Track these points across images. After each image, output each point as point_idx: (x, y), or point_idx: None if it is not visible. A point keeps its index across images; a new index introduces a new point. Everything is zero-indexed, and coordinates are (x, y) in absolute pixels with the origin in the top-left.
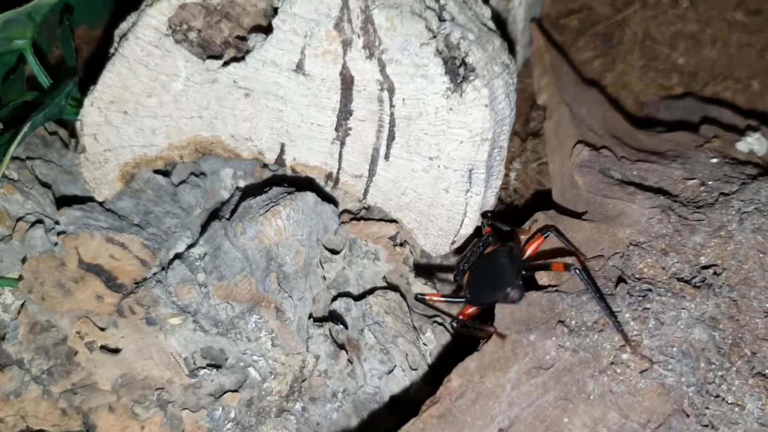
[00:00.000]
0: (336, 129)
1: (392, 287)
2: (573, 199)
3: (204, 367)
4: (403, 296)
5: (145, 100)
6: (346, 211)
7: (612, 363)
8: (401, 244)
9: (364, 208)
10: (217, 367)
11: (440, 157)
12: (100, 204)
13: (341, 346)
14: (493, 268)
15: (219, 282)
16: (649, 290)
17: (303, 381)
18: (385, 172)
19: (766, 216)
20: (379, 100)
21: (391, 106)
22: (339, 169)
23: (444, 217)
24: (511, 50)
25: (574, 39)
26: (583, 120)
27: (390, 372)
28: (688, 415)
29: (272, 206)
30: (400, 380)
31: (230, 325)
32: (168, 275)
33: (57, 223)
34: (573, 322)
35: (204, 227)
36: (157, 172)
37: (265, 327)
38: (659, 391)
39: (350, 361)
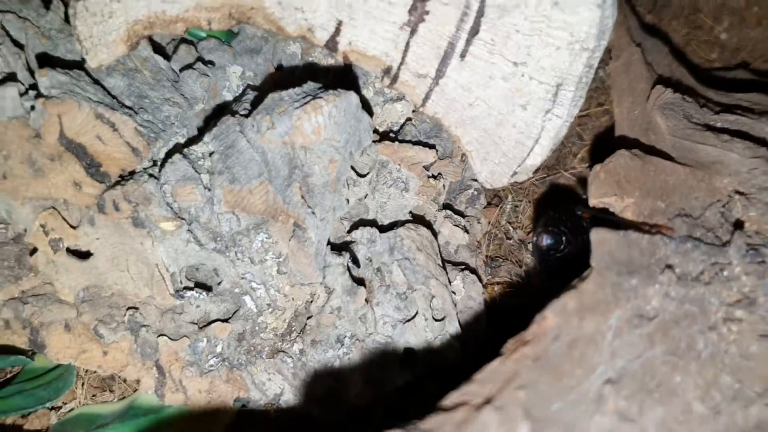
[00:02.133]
0: (410, 11)
1: (423, 222)
2: (652, 143)
3: (191, 288)
4: (435, 234)
5: None
6: (374, 130)
7: (725, 319)
8: (435, 177)
9: (391, 131)
10: (207, 289)
11: (527, 64)
12: (88, 75)
13: (360, 282)
14: None
15: (230, 185)
16: (763, 244)
17: (309, 318)
18: (457, 75)
19: None
20: None
21: None
22: (402, 63)
23: (512, 140)
24: None
25: None
26: (652, 66)
27: (408, 321)
28: None
29: (311, 99)
30: (421, 331)
31: (231, 241)
32: (166, 170)
33: (32, 88)
34: (678, 270)
35: (206, 125)
36: (156, 52)
37: (272, 249)
38: None
39: (367, 302)
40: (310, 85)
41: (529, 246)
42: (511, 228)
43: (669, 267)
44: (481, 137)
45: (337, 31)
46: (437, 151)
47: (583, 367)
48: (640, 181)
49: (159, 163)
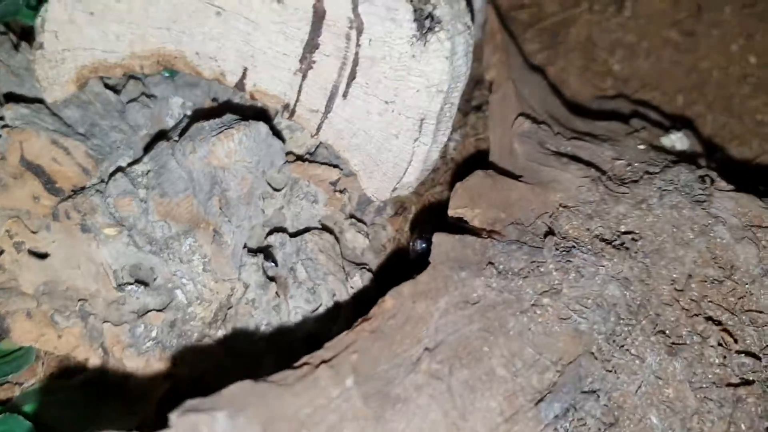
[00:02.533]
0: (300, 60)
1: (327, 230)
2: (510, 166)
3: (131, 283)
4: (337, 239)
5: (114, 4)
6: (290, 152)
7: (533, 305)
8: (341, 191)
9: (308, 153)
10: (145, 284)
11: (396, 102)
12: (47, 108)
13: (271, 279)
14: None
15: (161, 198)
16: (573, 247)
17: (229, 308)
18: (341, 111)
19: (683, 195)
20: (346, 38)
21: (357, 45)
22: (297, 101)
23: (390, 162)
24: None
25: (523, 30)
26: (525, 99)
27: (314, 311)
28: (596, 359)
29: (225, 129)
30: (324, 319)
31: (164, 244)
32: (109, 186)
33: (0, 119)
34: (501, 266)
35: (148, 148)
36: (107, 87)
37: (198, 251)
38: (572, 334)
39: (278, 295)
40: (228, 117)
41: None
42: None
43: (491, 263)
44: (365, 160)
45: (244, 75)
46: (341, 169)
47: (410, 338)
48: (488, 196)
49: (106, 180)
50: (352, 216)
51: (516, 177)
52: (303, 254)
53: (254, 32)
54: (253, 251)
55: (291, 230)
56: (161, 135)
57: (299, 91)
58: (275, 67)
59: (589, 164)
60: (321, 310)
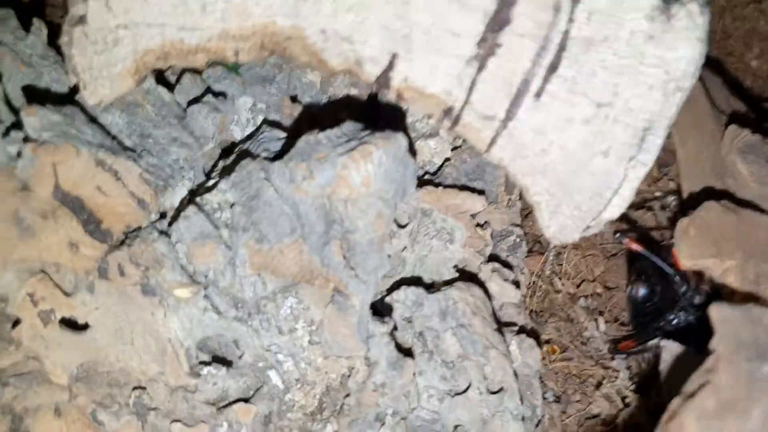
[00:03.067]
0: (479, 43)
1: (471, 280)
2: (729, 192)
3: (208, 363)
4: (488, 294)
5: None
6: None
7: None
8: (482, 225)
9: (428, 172)
10: (227, 364)
11: (613, 105)
12: (83, 112)
13: (406, 352)
14: None
15: (257, 245)
16: None
17: (347, 396)
18: (530, 117)
19: None
20: (554, 8)
21: (570, 20)
22: (466, 102)
23: (588, 191)
24: None
25: None
26: (716, 100)
27: (458, 394)
28: None
29: (358, 144)
30: (475, 406)
31: (255, 308)
32: (179, 226)
33: (14, 127)
34: None
35: (213, 168)
36: (159, 82)
37: (303, 315)
38: None
39: (414, 374)
40: (349, 125)
41: (581, 301)
42: (557, 279)
43: None
44: (552, 187)
45: (391, 65)
46: (486, 196)
47: None
48: (738, 240)
49: (168, 217)
50: (495, 258)
51: (760, 209)
52: (452, 319)
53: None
54: (379, 314)
55: (410, 279)
56: (227, 150)
57: (471, 88)
58: (440, 52)
59: None
60: (471, 393)
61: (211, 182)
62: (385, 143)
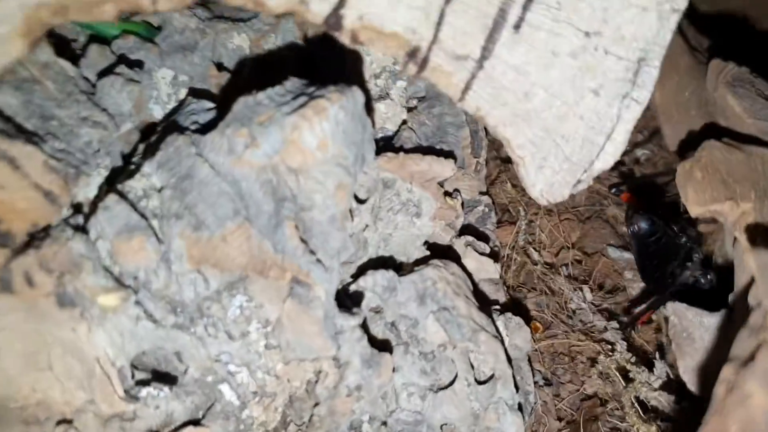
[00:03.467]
0: None
1: (444, 257)
2: (725, 129)
3: (147, 383)
4: (466, 272)
5: None
6: None
7: None
8: (451, 194)
9: (383, 137)
10: (170, 382)
11: (603, 33)
12: None
13: (382, 346)
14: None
15: (195, 234)
16: None
17: (315, 405)
18: (509, 53)
19: None
20: None
21: None
22: (434, 41)
23: (579, 137)
24: None
25: None
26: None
27: (443, 388)
28: None
29: (309, 101)
30: (463, 399)
31: (197, 311)
32: (99, 219)
33: None
34: None
35: (133, 151)
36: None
37: (256, 315)
38: None
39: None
40: (293, 82)
41: (561, 269)
42: (532, 249)
43: None
44: (537, 138)
45: (342, 1)
46: (455, 160)
47: None
48: (750, 179)
49: (84, 210)
50: (466, 230)
51: (765, 144)
52: (433, 302)
53: None
54: (346, 306)
55: (376, 262)
56: (148, 131)
57: (439, 24)
58: None
59: None
60: (458, 386)
61: (132, 166)
62: (340, 97)
